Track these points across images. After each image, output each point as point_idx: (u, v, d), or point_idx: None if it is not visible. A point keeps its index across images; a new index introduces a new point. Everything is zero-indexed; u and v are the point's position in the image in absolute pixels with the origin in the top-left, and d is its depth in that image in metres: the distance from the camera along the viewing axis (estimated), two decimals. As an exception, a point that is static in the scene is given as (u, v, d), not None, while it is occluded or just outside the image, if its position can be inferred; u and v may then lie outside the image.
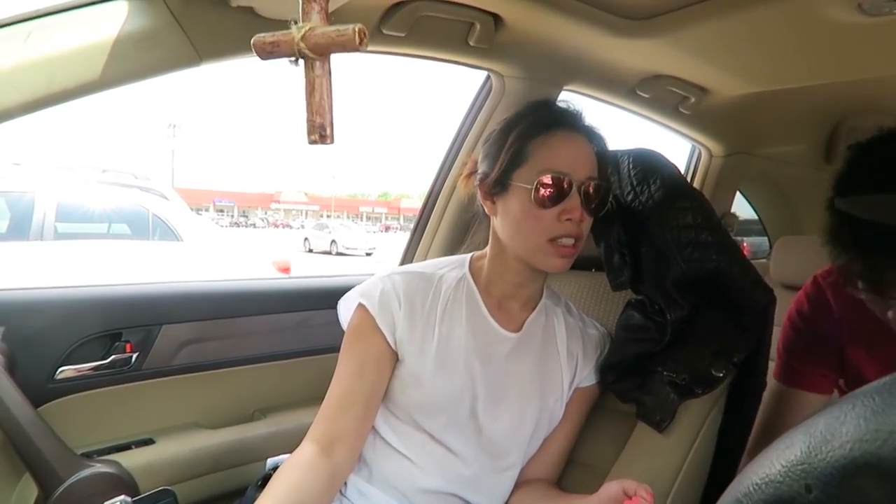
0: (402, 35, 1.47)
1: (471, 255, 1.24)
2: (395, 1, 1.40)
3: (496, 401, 1.14)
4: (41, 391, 1.36)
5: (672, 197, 1.21)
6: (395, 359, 1.13)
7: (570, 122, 1.12)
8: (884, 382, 0.33)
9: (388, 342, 1.11)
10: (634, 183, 1.25)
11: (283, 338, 1.76)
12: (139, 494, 1.37)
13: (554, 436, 1.22)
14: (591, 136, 1.13)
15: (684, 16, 1.52)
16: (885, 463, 0.30)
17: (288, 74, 0.70)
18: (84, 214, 5.03)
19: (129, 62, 1.08)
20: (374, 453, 1.15)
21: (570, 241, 1.07)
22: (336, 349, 1.15)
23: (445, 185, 1.92)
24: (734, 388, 1.26)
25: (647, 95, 2.05)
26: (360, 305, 1.14)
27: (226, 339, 1.66)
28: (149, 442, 1.49)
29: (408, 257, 1.99)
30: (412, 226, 2.05)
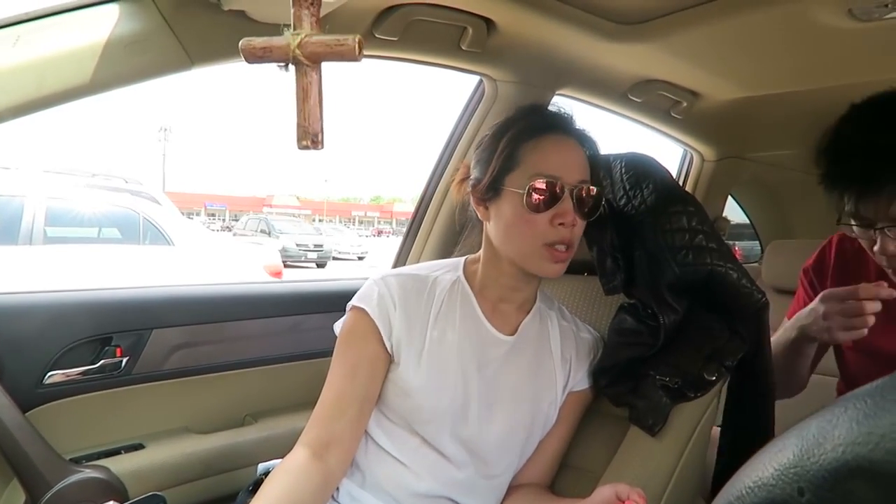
0: (395, 39, 1.48)
1: (465, 258, 1.24)
2: (388, 5, 1.40)
3: (490, 404, 1.14)
4: (30, 396, 1.34)
5: (665, 201, 1.21)
6: (389, 362, 1.13)
7: (561, 125, 1.12)
8: (876, 386, 0.33)
9: (383, 345, 1.11)
10: (627, 187, 1.25)
11: (274, 342, 1.75)
12: (128, 500, 1.35)
13: (547, 439, 1.22)
14: (582, 139, 1.14)
15: (676, 20, 1.52)
16: (878, 466, 0.30)
17: (279, 79, 0.69)
18: (74, 218, 5.01)
19: (120, 66, 1.08)
20: (367, 457, 1.15)
21: (563, 247, 1.07)
22: (328, 353, 1.14)
23: (438, 189, 1.92)
24: (737, 391, 1.26)
25: (639, 100, 2.06)
26: (355, 308, 1.13)
27: (217, 343, 1.65)
28: (138, 447, 1.48)
29: (400, 261, 1.99)
30: (405, 230, 2.05)
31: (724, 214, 2.96)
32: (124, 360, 1.48)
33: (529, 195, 1.05)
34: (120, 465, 1.40)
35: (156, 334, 1.52)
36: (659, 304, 1.19)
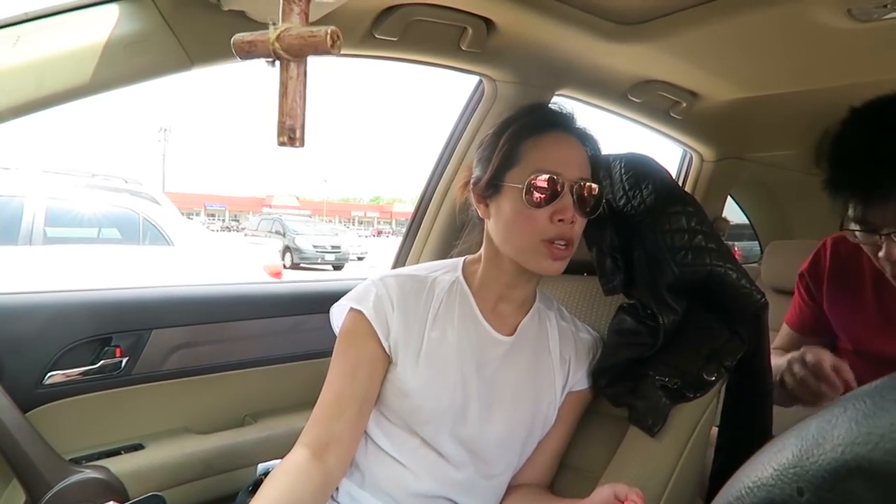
0: (395, 39, 1.48)
1: (464, 258, 1.24)
2: (388, 5, 1.40)
3: (489, 405, 1.14)
4: (29, 396, 1.34)
5: (664, 201, 1.21)
6: (388, 362, 1.13)
7: (562, 123, 1.12)
8: (875, 386, 0.33)
9: (381, 346, 1.11)
10: (627, 187, 1.25)
11: (274, 342, 1.75)
12: (128, 500, 1.35)
13: (547, 440, 1.22)
14: (583, 138, 1.13)
15: (675, 21, 1.52)
16: (877, 466, 0.30)
17: (272, 76, 0.69)
18: (74, 219, 5.01)
19: (120, 66, 1.08)
20: (366, 458, 1.15)
21: (563, 244, 1.07)
22: (328, 353, 1.14)
23: (437, 189, 1.92)
24: (736, 391, 1.26)
25: (638, 100, 2.06)
26: (354, 309, 1.13)
27: (216, 343, 1.65)
28: (138, 447, 1.48)
29: (400, 261, 1.99)
30: (404, 230, 2.06)
31: (723, 215, 2.96)
32: (124, 361, 1.48)
33: (529, 191, 1.05)
34: (120, 466, 1.40)
35: (155, 334, 1.52)
36: (658, 305, 1.19)
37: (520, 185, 1.06)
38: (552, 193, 1.06)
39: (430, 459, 1.12)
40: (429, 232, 1.93)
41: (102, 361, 1.45)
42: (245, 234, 19.53)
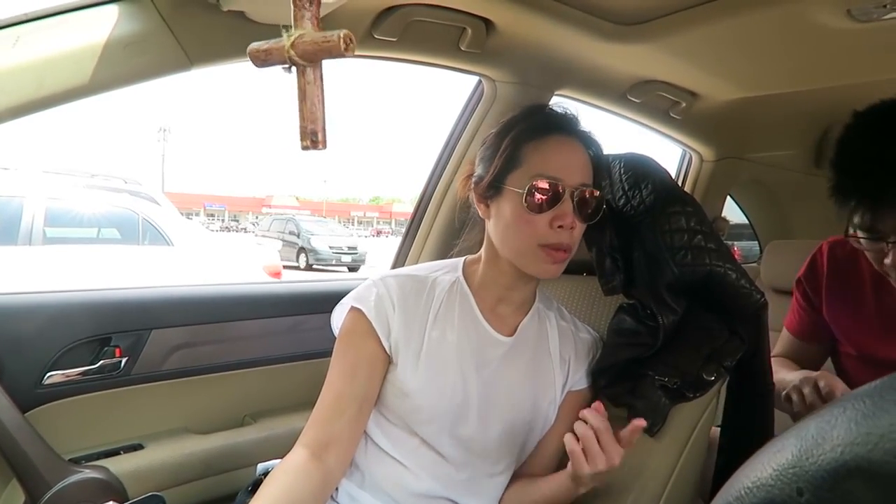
0: (394, 40, 1.48)
1: (464, 258, 1.24)
2: (387, 6, 1.40)
3: (489, 405, 1.14)
4: (29, 396, 1.34)
5: (664, 201, 1.21)
6: (388, 363, 1.13)
7: (565, 126, 1.12)
8: (874, 386, 0.33)
9: (381, 346, 1.11)
10: (626, 187, 1.25)
11: (274, 342, 1.75)
12: (128, 500, 1.35)
13: (546, 439, 1.22)
14: (586, 141, 1.12)
15: (675, 21, 1.52)
16: (876, 466, 0.30)
17: (280, 79, 0.70)
18: (73, 219, 5.01)
19: (119, 66, 1.08)
20: (366, 458, 1.15)
21: (562, 248, 1.07)
22: (327, 353, 1.14)
23: (437, 189, 1.92)
24: (735, 391, 1.26)
25: (638, 100, 2.06)
26: (354, 309, 1.13)
27: (216, 343, 1.65)
28: (138, 447, 1.48)
29: (399, 261, 1.99)
30: (404, 230, 2.06)
31: (722, 215, 2.96)
32: (123, 361, 1.48)
33: (529, 195, 1.05)
34: (119, 466, 1.40)
35: (155, 334, 1.52)
36: (658, 305, 1.19)
37: (520, 190, 1.05)
38: (552, 199, 1.05)
39: (430, 459, 1.12)
40: (428, 232, 1.93)
41: (102, 361, 1.45)
42: (255, 235, 18.82)
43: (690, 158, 2.75)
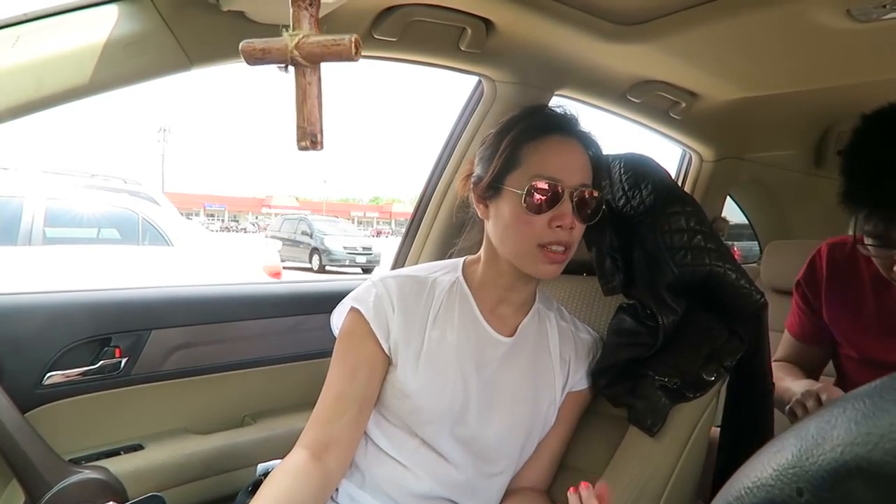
0: (394, 40, 1.48)
1: (464, 258, 1.24)
2: (387, 6, 1.40)
3: (489, 406, 1.14)
4: (29, 396, 1.34)
5: (664, 201, 1.21)
6: (388, 363, 1.13)
7: (564, 127, 1.11)
8: (874, 386, 0.33)
9: (381, 347, 1.11)
10: (626, 188, 1.25)
11: (274, 342, 1.75)
12: (128, 500, 1.35)
13: (546, 440, 1.22)
14: (586, 142, 1.12)
15: (674, 21, 1.52)
16: (876, 466, 0.30)
17: (279, 79, 0.70)
18: (73, 219, 5.01)
19: (119, 66, 1.08)
20: (366, 458, 1.15)
21: (561, 249, 1.07)
22: (328, 354, 1.14)
23: (437, 189, 1.92)
24: (735, 391, 1.26)
25: (637, 100, 2.06)
26: (354, 310, 1.13)
27: (216, 343, 1.64)
28: (138, 448, 1.48)
29: (399, 261, 1.99)
30: (404, 230, 2.06)
31: (722, 215, 2.96)
32: (123, 361, 1.48)
33: (529, 196, 1.05)
34: (119, 466, 1.40)
35: (155, 335, 1.52)
36: (658, 305, 1.19)
37: (519, 190, 1.05)
38: (551, 199, 1.05)
39: (430, 460, 1.12)
40: (428, 232, 1.93)
41: (102, 362, 1.45)
42: (266, 236, 18.38)
43: (690, 158, 2.75)
